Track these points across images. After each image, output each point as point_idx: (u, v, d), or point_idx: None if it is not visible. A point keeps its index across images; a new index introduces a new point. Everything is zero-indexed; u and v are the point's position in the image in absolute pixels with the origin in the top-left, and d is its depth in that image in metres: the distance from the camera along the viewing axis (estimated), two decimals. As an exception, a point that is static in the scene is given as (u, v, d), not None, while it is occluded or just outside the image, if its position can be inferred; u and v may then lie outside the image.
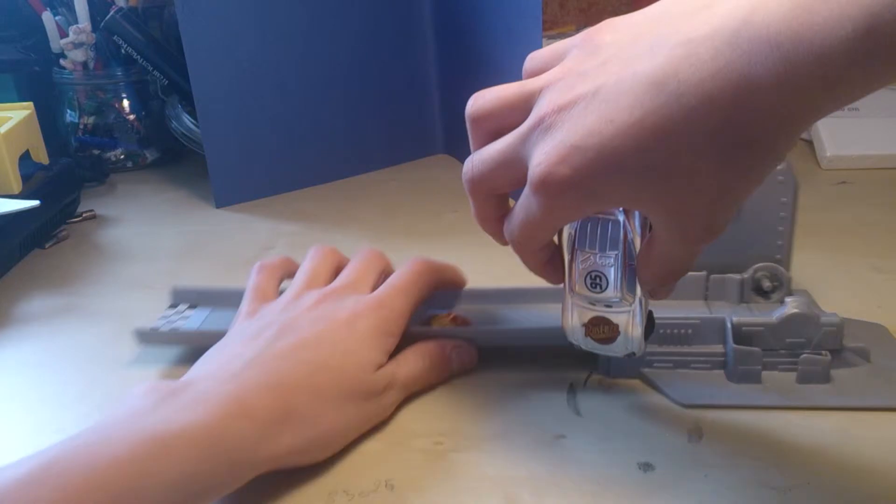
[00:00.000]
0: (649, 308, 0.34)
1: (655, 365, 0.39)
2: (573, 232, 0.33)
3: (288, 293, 0.40)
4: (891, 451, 0.33)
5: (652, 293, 0.33)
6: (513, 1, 0.57)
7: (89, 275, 0.54)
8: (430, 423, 0.36)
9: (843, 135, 0.68)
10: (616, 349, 0.34)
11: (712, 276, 0.41)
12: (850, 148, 0.67)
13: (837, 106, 0.24)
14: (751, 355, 0.37)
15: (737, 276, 0.40)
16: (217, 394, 0.31)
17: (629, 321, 0.33)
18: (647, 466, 0.33)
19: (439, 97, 0.74)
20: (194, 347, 0.42)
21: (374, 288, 0.40)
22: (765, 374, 0.38)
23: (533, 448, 0.34)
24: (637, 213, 0.32)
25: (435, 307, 0.43)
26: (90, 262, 0.56)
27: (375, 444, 0.35)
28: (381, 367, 0.36)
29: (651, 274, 0.31)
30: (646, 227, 0.31)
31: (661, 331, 0.38)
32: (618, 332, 0.34)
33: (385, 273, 0.42)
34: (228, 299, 0.45)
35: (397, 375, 0.37)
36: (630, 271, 0.32)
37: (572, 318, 0.34)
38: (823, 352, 0.37)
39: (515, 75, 0.32)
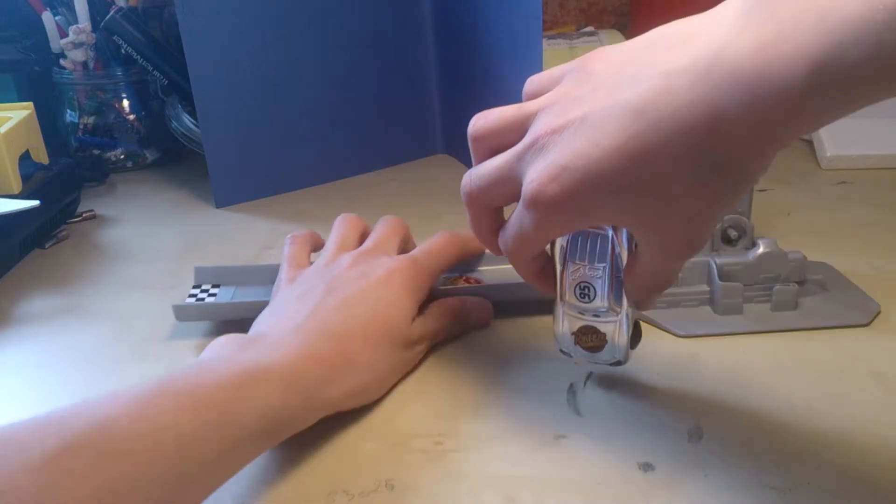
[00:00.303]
0: (635, 318, 0.35)
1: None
2: (565, 244, 0.35)
3: (322, 258, 0.43)
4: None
5: (638, 304, 0.34)
6: (513, 1, 0.57)
7: (89, 275, 0.54)
8: (430, 423, 0.36)
9: (843, 135, 0.68)
10: (603, 357, 0.36)
11: None
12: (850, 148, 0.67)
13: (798, 135, 0.25)
14: (734, 290, 0.43)
15: None
16: (288, 342, 0.35)
17: (616, 330, 0.35)
18: (647, 466, 0.33)
19: (439, 97, 0.74)
20: (221, 324, 0.45)
21: (398, 250, 0.44)
22: (744, 306, 0.43)
23: (533, 448, 0.34)
24: (624, 228, 0.33)
25: (449, 271, 0.46)
26: (90, 262, 0.56)
27: (375, 444, 0.35)
28: (414, 319, 0.40)
29: (636, 286, 0.33)
30: (632, 242, 0.33)
31: None
32: (605, 341, 0.35)
33: (405, 238, 0.46)
34: (250, 276, 0.48)
35: (427, 328, 0.41)
36: (617, 283, 0.34)
37: (563, 327, 0.36)
38: (791, 283, 0.43)
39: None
